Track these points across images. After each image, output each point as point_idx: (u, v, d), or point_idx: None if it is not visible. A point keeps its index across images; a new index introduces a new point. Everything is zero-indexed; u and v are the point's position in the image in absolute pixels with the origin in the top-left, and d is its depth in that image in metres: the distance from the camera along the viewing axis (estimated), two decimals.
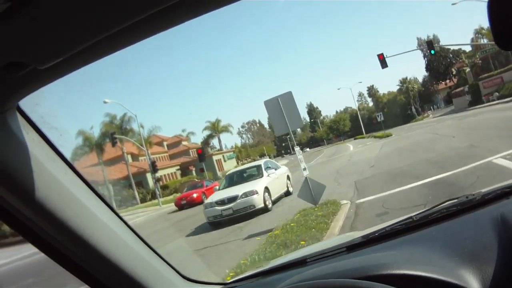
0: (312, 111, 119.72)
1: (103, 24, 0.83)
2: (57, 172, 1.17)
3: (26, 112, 1.12)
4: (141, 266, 1.42)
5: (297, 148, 9.90)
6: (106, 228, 1.31)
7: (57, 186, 1.17)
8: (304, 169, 9.76)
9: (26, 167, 1.07)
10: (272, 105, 10.03)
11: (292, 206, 12.30)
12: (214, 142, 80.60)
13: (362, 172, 16.42)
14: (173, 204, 31.62)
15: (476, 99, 41.53)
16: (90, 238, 1.23)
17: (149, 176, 48.77)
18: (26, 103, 1.09)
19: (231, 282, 1.94)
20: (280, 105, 9.90)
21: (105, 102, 40.30)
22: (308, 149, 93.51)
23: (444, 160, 12.29)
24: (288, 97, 9.98)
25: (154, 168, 42.16)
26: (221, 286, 1.92)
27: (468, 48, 61.28)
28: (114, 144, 42.20)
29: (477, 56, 51.24)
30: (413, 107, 78.26)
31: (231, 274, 6.32)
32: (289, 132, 9.98)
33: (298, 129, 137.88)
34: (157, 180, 46.69)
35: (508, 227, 1.32)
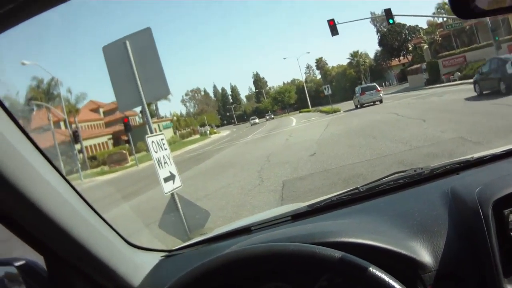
0: (258, 81, 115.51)
1: None
2: (4, 131, 1.09)
3: None
4: (87, 229, 1.34)
5: (150, 139, 4.94)
6: (52, 190, 1.23)
7: (5, 145, 1.08)
8: (168, 178, 4.98)
9: None
10: (115, 55, 5.14)
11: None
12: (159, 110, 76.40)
13: (298, 163, 11.91)
14: (98, 177, 29.17)
15: (434, 78, 39.19)
16: (38, 200, 1.15)
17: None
18: None
19: (175, 249, 1.80)
20: (130, 56, 5.08)
21: (23, 64, 34.99)
22: (257, 120, 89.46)
23: (429, 162, 7.59)
24: (145, 40, 5.08)
25: (75, 138, 40.61)
26: (166, 253, 1.78)
27: (425, 26, 59.17)
28: (31, 110, 41.27)
29: (437, 32, 48.84)
30: (363, 82, 75.45)
31: None
32: (143, 105, 5.14)
33: (243, 98, 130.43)
34: (79, 151, 43.14)
35: (458, 201, 1.32)
